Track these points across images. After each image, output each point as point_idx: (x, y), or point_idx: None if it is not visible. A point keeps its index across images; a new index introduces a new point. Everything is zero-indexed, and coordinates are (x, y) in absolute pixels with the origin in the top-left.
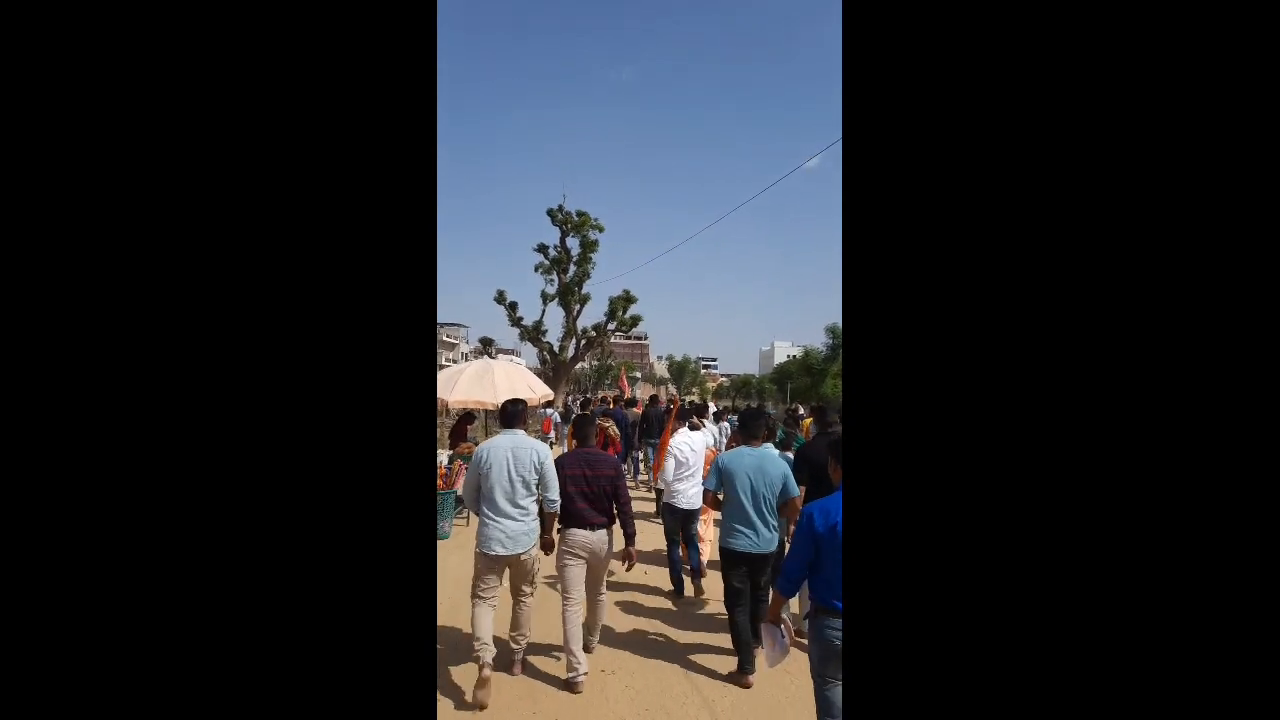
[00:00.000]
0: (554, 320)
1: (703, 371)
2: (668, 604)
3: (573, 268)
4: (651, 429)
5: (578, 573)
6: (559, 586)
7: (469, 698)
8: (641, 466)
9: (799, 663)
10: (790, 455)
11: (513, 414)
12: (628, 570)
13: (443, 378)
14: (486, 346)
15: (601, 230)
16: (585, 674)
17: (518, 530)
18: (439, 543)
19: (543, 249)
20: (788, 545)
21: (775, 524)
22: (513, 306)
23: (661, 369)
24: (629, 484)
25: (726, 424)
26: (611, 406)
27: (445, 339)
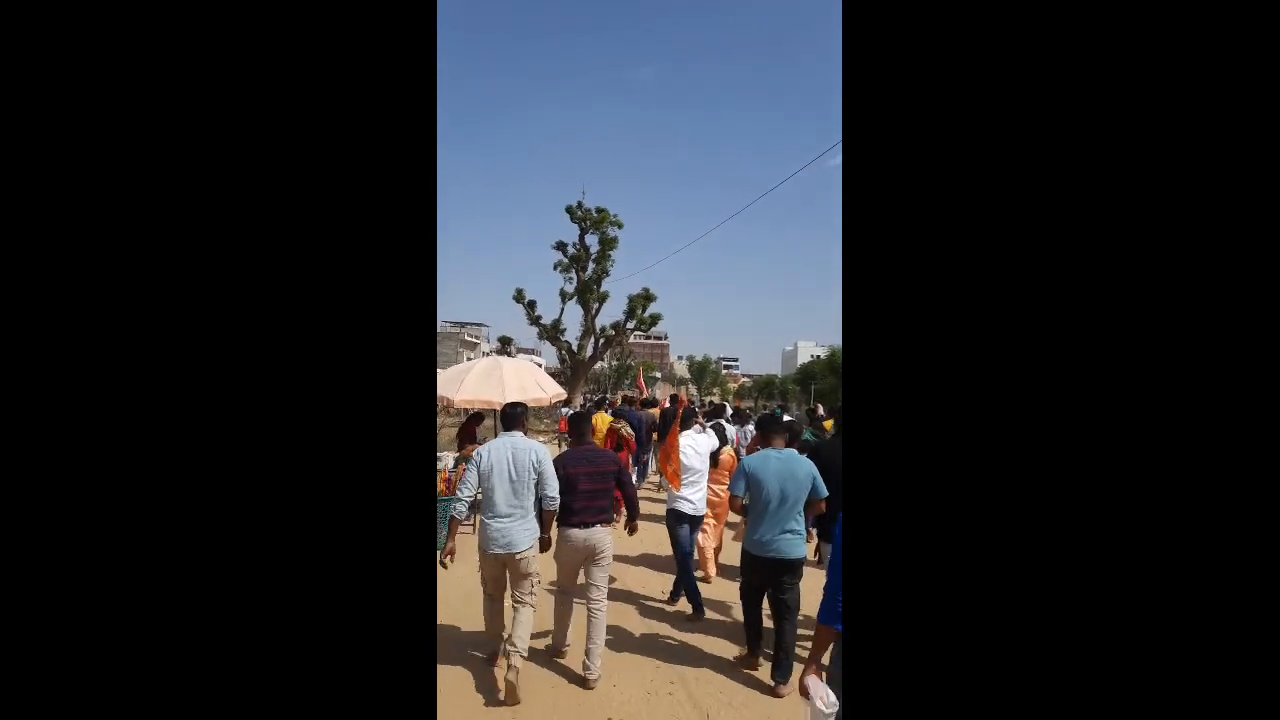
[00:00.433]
0: (573, 319)
1: (724, 372)
2: (666, 607)
3: (591, 265)
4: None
5: (574, 571)
6: (556, 586)
7: (500, 695)
8: (651, 468)
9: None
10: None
11: (512, 416)
12: (630, 534)
13: (448, 376)
14: (505, 345)
15: (620, 227)
16: (599, 675)
17: (515, 529)
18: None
19: (561, 246)
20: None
21: (803, 528)
22: (531, 305)
23: (682, 369)
24: (639, 487)
25: (751, 426)
26: (626, 408)
27: (466, 338)
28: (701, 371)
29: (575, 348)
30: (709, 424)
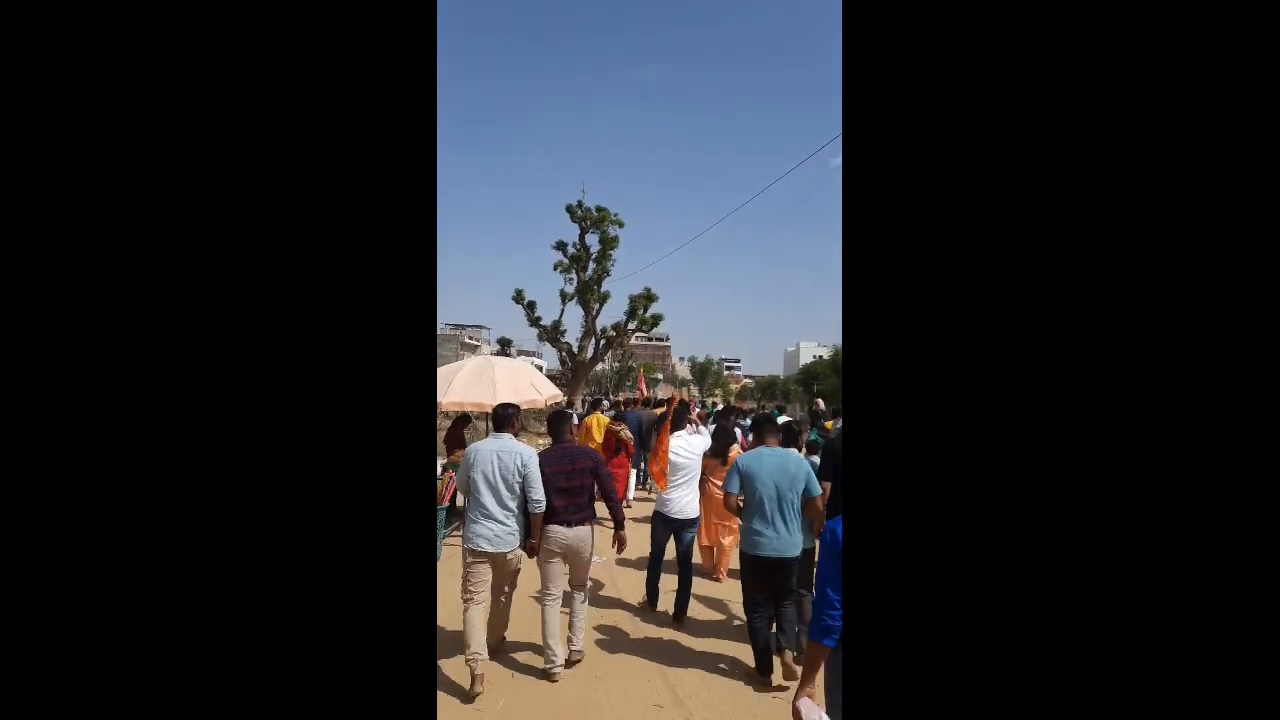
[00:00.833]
0: (573, 320)
1: (725, 373)
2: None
3: (592, 265)
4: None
5: (557, 569)
6: (539, 584)
7: (470, 690)
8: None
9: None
10: (817, 459)
11: (503, 418)
12: (618, 554)
13: (436, 376)
14: (505, 347)
15: (621, 226)
16: (561, 665)
17: (502, 531)
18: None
19: (561, 246)
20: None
21: (799, 525)
22: (531, 306)
23: (683, 370)
24: (641, 490)
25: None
26: (624, 409)
27: (467, 340)
28: (703, 373)
29: (576, 349)
30: (719, 423)
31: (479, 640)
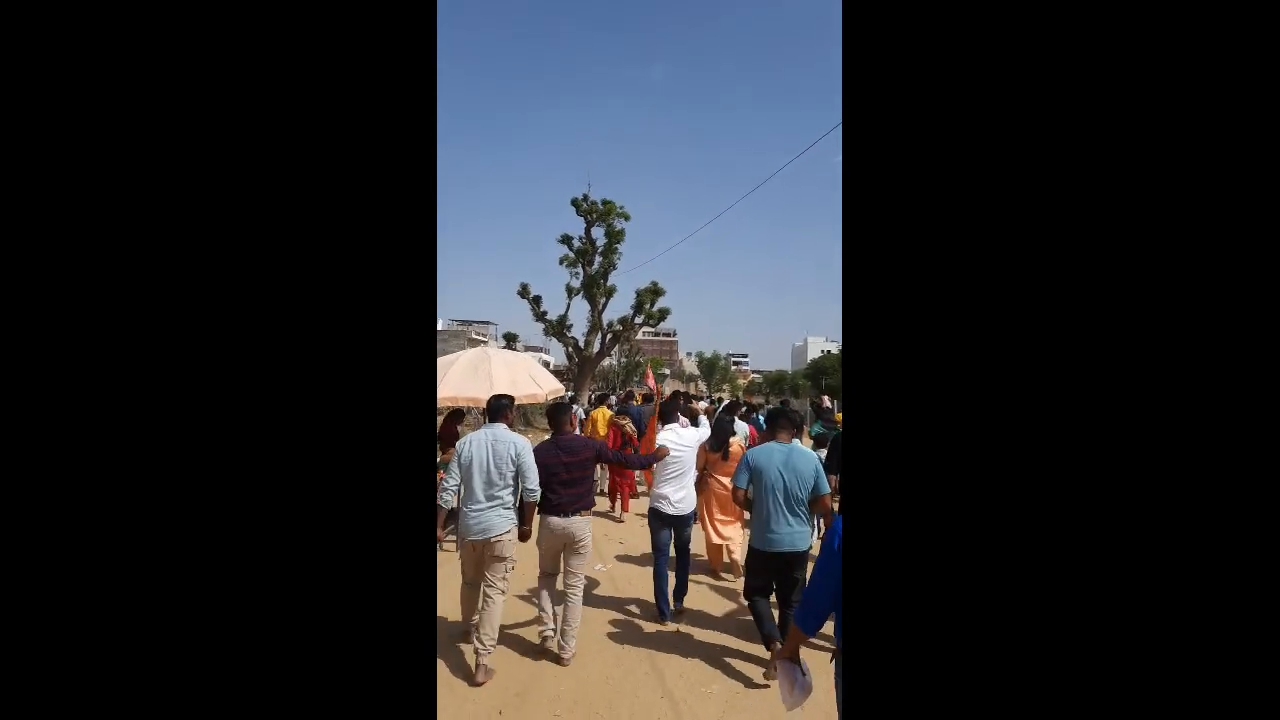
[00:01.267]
0: (580, 315)
1: (733, 368)
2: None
3: (598, 259)
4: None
5: (554, 558)
6: (538, 567)
7: (478, 679)
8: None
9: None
10: (823, 453)
11: (497, 408)
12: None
13: None
14: (511, 343)
15: (628, 219)
16: (554, 631)
17: (492, 517)
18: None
19: (567, 240)
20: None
21: (807, 519)
22: (536, 300)
23: (690, 365)
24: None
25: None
26: (629, 404)
27: (474, 336)
28: (711, 368)
29: (582, 344)
30: (719, 418)
31: (480, 623)
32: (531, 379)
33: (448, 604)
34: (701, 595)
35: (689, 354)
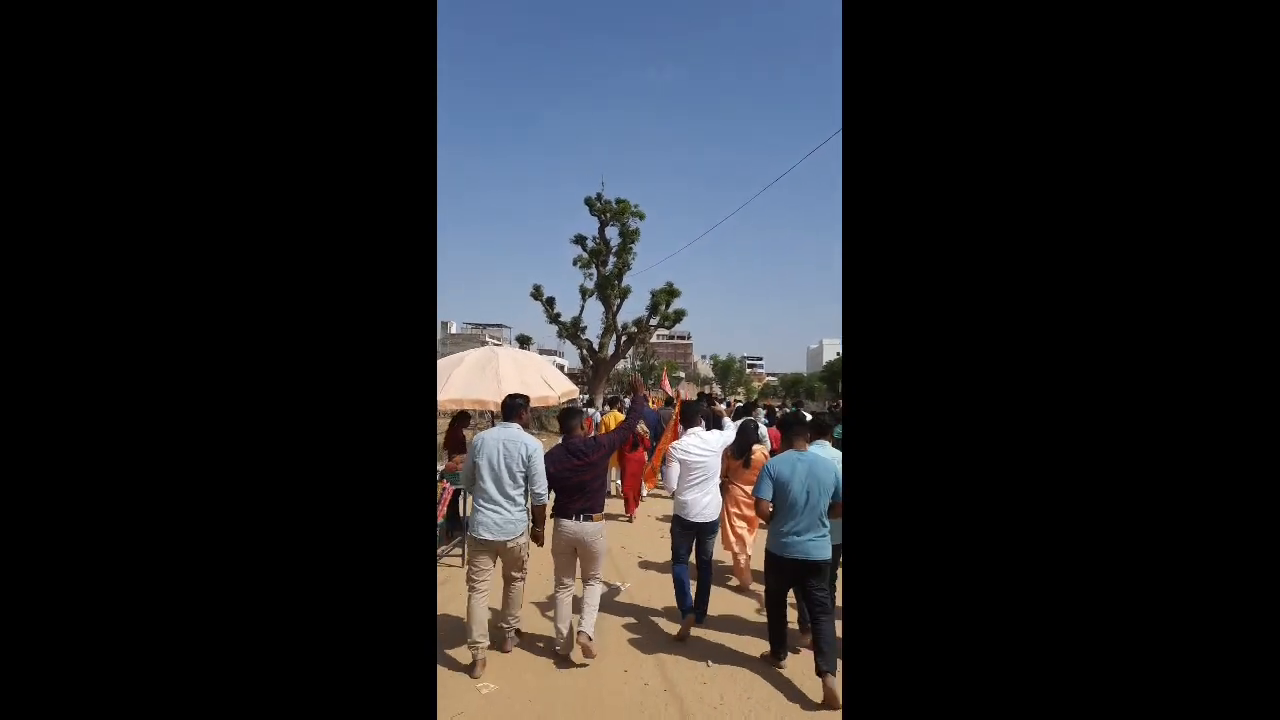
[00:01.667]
0: (593, 317)
1: (748, 371)
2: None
3: (612, 260)
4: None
5: (569, 561)
6: (554, 574)
7: (472, 673)
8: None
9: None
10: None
11: (512, 407)
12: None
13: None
14: (525, 345)
15: (642, 218)
16: (565, 639)
17: (505, 519)
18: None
19: (580, 240)
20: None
21: (828, 528)
22: (550, 302)
23: (705, 368)
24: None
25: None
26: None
27: (488, 339)
28: (725, 371)
29: (596, 346)
30: (743, 422)
31: (481, 628)
32: (543, 380)
33: (453, 613)
34: (723, 602)
35: (704, 357)
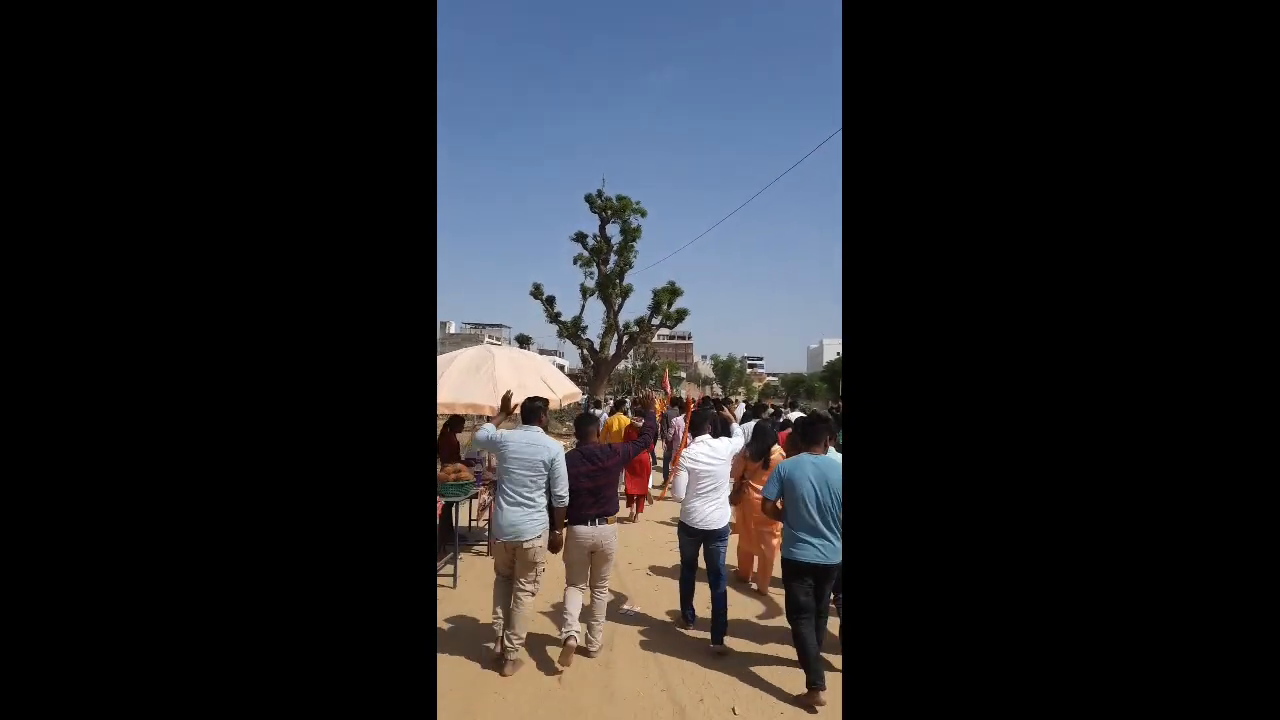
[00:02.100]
0: (594, 316)
1: (748, 371)
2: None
3: (613, 258)
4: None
5: (581, 565)
6: (565, 578)
7: (499, 665)
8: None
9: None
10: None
11: (531, 410)
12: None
13: None
14: (525, 345)
15: (644, 215)
16: (576, 633)
17: (523, 519)
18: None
19: (581, 238)
20: None
21: (839, 534)
22: (550, 301)
23: (706, 369)
24: (660, 489)
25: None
26: (643, 408)
27: (488, 339)
28: (726, 371)
29: (597, 346)
30: (759, 424)
31: (510, 621)
32: (543, 381)
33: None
34: (735, 608)
35: (704, 357)
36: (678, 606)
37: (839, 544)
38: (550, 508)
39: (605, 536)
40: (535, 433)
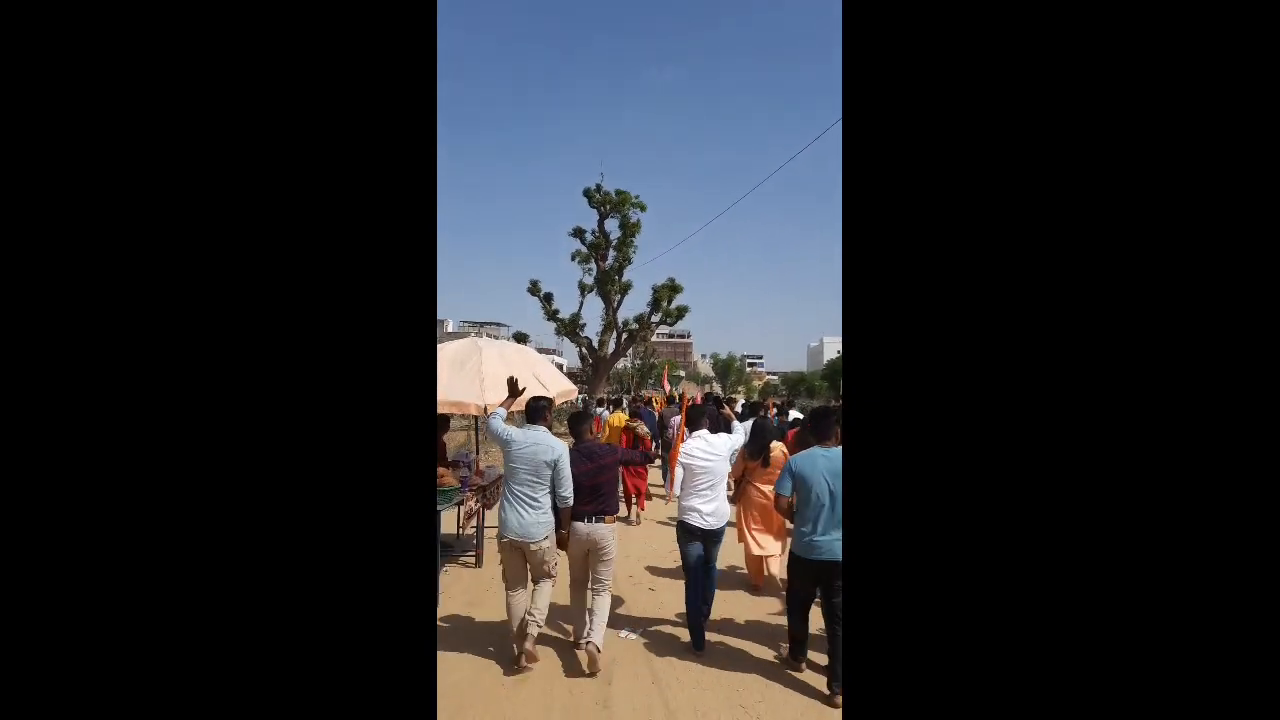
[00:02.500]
0: (593, 314)
1: (748, 369)
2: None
3: (612, 253)
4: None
5: (581, 565)
6: (568, 576)
7: (515, 664)
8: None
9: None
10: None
11: (535, 410)
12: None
13: None
14: (522, 344)
15: (643, 209)
16: (585, 641)
17: (530, 520)
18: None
19: (579, 233)
20: None
21: None
22: (548, 298)
23: (705, 367)
24: (661, 488)
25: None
26: (642, 407)
27: (486, 338)
28: (726, 369)
29: (596, 344)
30: (757, 421)
31: (520, 609)
32: (536, 378)
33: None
34: (738, 609)
35: (703, 355)
36: (677, 617)
37: None
38: (555, 509)
39: (603, 535)
40: (539, 432)
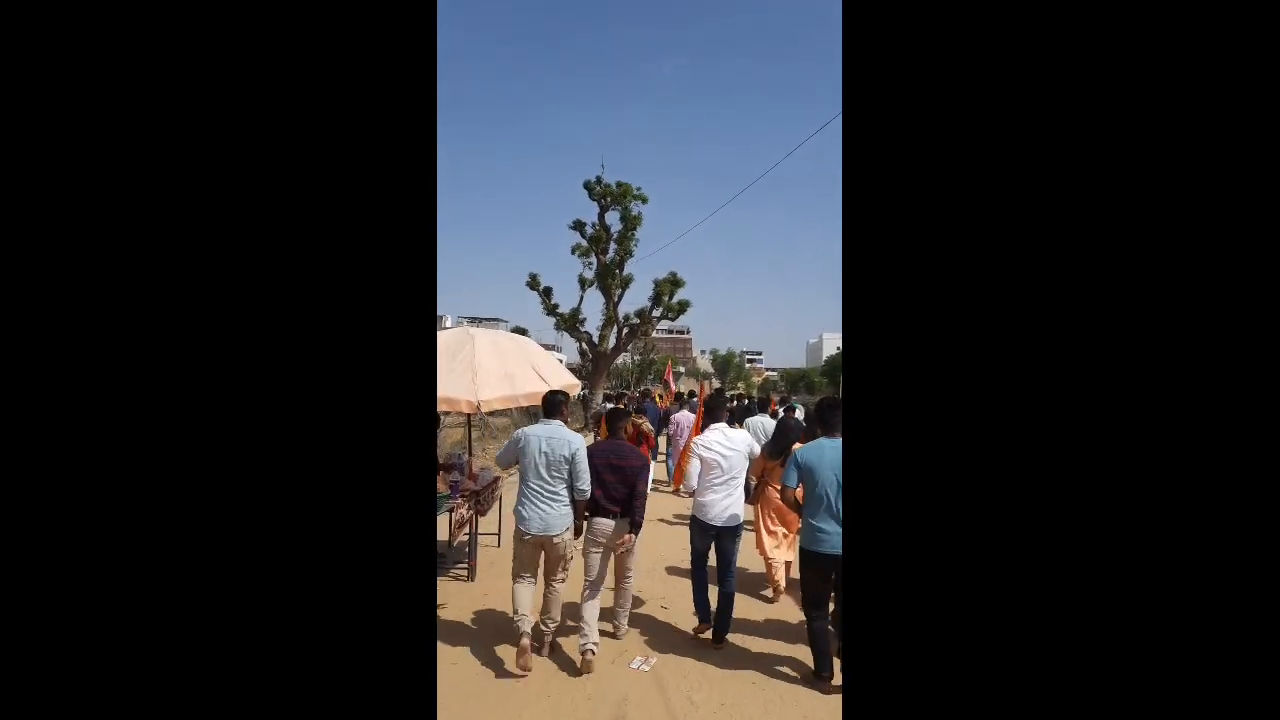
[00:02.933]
0: (593, 309)
1: (748, 365)
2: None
3: (613, 247)
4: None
5: (598, 559)
6: (584, 573)
7: (510, 667)
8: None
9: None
10: None
11: (552, 404)
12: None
13: None
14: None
15: (645, 201)
16: (595, 645)
17: (550, 514)
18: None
19: (579, 226)
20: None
21: None
22: (547, 292)
23: (704, 363)
24: (661, 486)
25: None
26: (646, 402)
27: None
28: (725, 365)
29: (596, 339)
30: (782, 420)
31: (525, 604)
32: (534, 370)
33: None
34: (750, 612)
35: (703, 351)
36: (681, 623)
37: None
38: (572, 501)
39: (622, 532)
40: (556, 426)
